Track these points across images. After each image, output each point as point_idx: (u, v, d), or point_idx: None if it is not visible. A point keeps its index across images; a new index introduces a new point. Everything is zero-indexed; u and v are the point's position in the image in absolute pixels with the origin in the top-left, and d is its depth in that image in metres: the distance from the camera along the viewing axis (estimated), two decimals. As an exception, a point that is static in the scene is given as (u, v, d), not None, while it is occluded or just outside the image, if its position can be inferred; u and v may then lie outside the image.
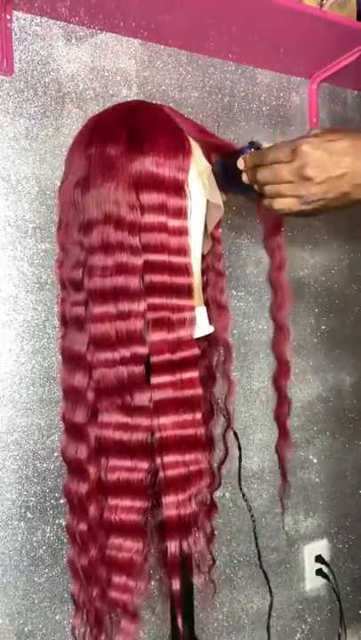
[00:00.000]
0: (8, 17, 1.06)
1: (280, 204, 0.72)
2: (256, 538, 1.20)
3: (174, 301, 0.69)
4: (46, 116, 1.12)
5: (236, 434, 0.96)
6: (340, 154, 0.69)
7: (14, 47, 1.08)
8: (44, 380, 1.11)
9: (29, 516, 1.10)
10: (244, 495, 1.12)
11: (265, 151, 0.73)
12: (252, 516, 1.22)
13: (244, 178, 0.76)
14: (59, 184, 0.82)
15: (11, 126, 1.08)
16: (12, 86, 1.08)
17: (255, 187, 0.76)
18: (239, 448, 0.97)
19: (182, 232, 0.70)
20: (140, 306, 0.68)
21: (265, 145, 0.76)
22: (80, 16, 1.12)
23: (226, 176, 0.81)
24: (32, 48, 1.10)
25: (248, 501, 1.21)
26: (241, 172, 0.76)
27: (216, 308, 0.83)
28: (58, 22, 1.13)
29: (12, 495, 1.08)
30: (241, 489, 1.03)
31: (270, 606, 1.24)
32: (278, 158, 0.71)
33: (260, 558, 1.19)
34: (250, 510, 1.20)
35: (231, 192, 0.85)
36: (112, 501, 0.71)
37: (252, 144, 0.77)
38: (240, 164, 0.76)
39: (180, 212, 0.69)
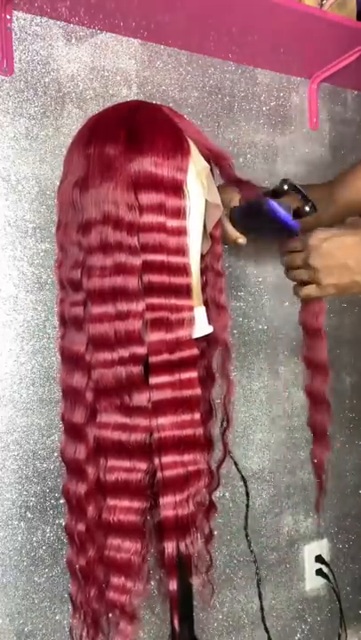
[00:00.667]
0: (8, 17, 1.06)
1: (305, 291, 0.85)
2: (248, 536, 1.20)
3: (173, 301, 0.69)
4: (46, 116, 1.12)
5: (242, 476, 1.00)
6: (348, 247, 0.80)
7: (14, 47, 1.08)
8: (44, 380, 1.11)
9: (29, 515, 1.10)
10: (248, 539, 1.13)
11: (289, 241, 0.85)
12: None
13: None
14: (58, 184, 0.82)
15: (11, 126, 1.08)
16: (11, 86, 1.08)
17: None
18: (245, 485, 0.99)
19: (181, 232, 0.70)
20: (139, 306, 0.68)
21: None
22: (80, 16, 1.12)
23: (250, 220, 0.85)
24: (32, 48, 1.10)
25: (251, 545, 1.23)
26: (265, 217, 0.81)
27: (215, 308, 0.83)
28: (58, 22, 1.13)
29: (12, 495, 1.08)
30: (247, 535, 1.03)
31: (260, 601, 1.23)
32: (295, 248, 0.84)
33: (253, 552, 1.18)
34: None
35: (255, 235, 0.90)
36: (111, 502, 0.70)
37: (269, 193, 0.79)
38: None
39: (179, 212, 0.69)
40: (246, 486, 1.01)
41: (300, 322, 0.92)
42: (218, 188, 0.99)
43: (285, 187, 0.82)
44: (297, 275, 0.85)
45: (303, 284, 0.86)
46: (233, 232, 0.94)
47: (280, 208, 0.75)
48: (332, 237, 0.80)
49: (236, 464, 0.89)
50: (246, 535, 1.18)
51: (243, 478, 0.99)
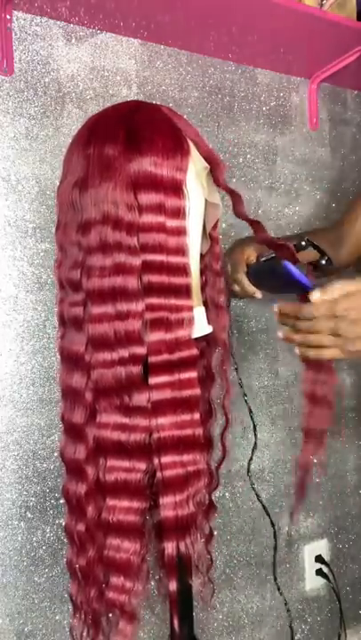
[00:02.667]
0: (8, 17, 1.06)
1: (326, 354, 0.76)
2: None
3: (172, 301, 0.69)
4: (46, 116, 1.12)
5: (250, 410, 1.03)
6: None
7: (14, 47, 1.09)
8: (44, 380, 1.11)
9: (29, 515, 1.10)
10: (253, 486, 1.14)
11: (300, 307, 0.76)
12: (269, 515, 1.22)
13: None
14: (58, 184, 0.82)
15: (11, 126, 1.08)
16: (12, 86, 1.08)
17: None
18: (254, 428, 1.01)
19: (180, 232, 0.69)
20: (139, 306, 0.68)
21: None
22: (80, 16, 1.12)
23: (266, 278, 0.87)
24: (32, 48, 1.11)
25: (258, 496, 1.24)
26: (281, 277, 0.79)
27: (214, 309, 0.83)
28: (58, 22, 1.13)
29: (12, 495, 1.08)
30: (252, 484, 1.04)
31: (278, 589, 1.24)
32: (317, 314, 0.74)
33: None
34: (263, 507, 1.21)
35: (271, 290, 0.92)
36: (110, 502, 0.70)
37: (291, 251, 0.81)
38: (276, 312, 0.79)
39: (179, 212, 0.69)
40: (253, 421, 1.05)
41: (305, 390, 0.83)
42: (235, 243, 1.03)
43: (303, 243, 0.82)
44: (315, 340, 0.75)
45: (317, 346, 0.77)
46: (250, 287, 0.97)
47: (296, 270, 0.77)
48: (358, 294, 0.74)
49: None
50: (252, 484, 1.19)
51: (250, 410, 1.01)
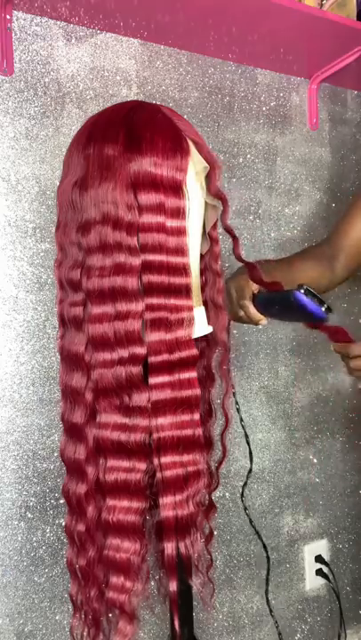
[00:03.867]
0: (8, 17, 1.06)
1: None
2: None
3: (172, 302, 0.69)
4: (46, 116, 1.12)
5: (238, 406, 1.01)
6: None
7: (14, 47, 1.09)
8: (44, 380, 1.11)
9: (29, 515, 1.10)
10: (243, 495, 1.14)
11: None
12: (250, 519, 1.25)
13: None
14: (58, 184, 0.82)
15: (11, 126, 1.08)
16: (12, 86, 1.08)
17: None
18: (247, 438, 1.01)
19: (180, 232, 0.69)
20: (139, 306, 0.68)
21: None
22: (80, 16, 1.12)
23: (275, 307, 0.88)
24: (32, 48, 1.11)
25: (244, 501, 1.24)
26: (293, 308, 0.82)
27: (214, 309, 0.83)
28: (58, 22, 1.13)
29: (12, 495, 1.08)
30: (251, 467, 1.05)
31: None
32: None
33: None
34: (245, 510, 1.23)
35: (279, 318, 0.95)
36: (110, 502, 0.70)
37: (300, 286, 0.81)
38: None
39: (178, 212, 0.69)
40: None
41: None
42: (240, 269, 1.01)
43: (302, 291, 0.83)
44: None
45: None
46: (256, 315, 0.96)
47: (309, 301, 0.78)
48: None
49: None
50: (245, 508, 1.20)
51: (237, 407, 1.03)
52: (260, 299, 0.93)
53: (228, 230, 0.78)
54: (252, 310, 0.95)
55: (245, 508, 1.32)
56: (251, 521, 1.16)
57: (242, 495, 1.32)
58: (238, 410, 1.03)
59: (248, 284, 0.97)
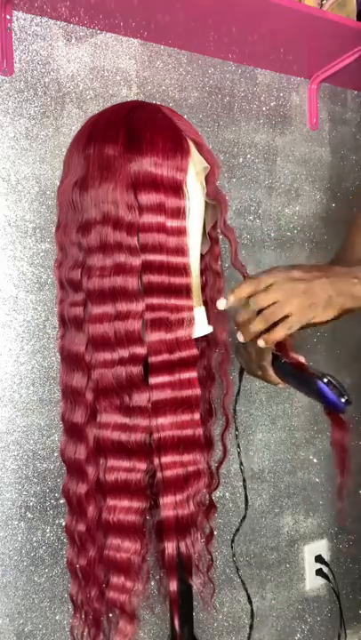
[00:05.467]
0: (8, 17, 1.06)
1: (274, 334, 0.77)
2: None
3: (172, 302, 0.69)
4: (46, 116, 1.12)
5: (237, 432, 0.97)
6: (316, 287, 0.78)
7: (14, 47, 1.08)
8: (44, 380, 1.11)
9: (29, 515, 1.10)
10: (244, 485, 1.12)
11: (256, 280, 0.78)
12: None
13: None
14: (58, 184, 0.82)
15: (11, 126, 1.08)
16: (12, 86, 1.08)
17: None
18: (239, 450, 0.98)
19: (180, 232, 0.70)
20: (139, 306, 0.68)
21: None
22: (80, 16, 1.12)
23: (295, 381, 0.86)
24: (32, 48, 1.11)
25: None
26: (313, 391, 0.80)
27: (214, 309, 0.83)
28: (58, 22, 1.13)
29: (12, 495, 1.08)
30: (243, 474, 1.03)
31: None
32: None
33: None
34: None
35: (297, 389, 0.91)
36: (110, 502, 0.70)
37: (325, 377, 0.81)
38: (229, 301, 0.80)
39: (179, 213, 0.69)
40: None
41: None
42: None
43: (325, 380, 0.82)
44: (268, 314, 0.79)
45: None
46: (275, 379, 0.92)
47: (330, 392, 0.78)
48: (301, 273, 0.78)
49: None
50: (233, 555, 1.19)
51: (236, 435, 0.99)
52: (282, 367, 0.90)
53: (226, 234, 0.78)
54: (271, 373, 0.91)
55: (234, 555, 1.31)
56: (238, 569, 1.13)
57: (232, 542, 1.30)
58: (239, 444, 1.01)
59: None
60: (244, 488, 1.02)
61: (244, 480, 1.02)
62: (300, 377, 0.85)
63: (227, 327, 0.84)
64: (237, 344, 0.91)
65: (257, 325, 0.76)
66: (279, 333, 0.76)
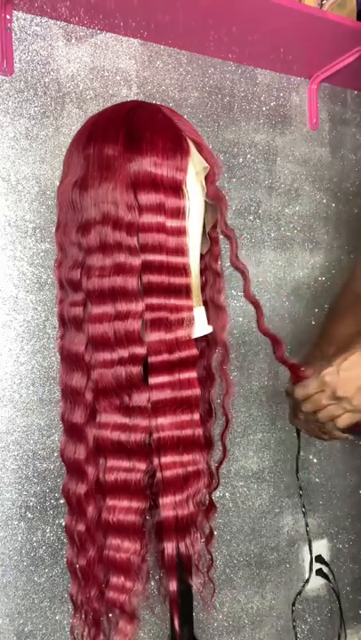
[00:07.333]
0: (8, 17, 1.06)
1: (341, 423, 0.88)
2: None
3: (172, 301, 0.69)
4: (46, 116, 1.12)
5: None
6: (356, 366, 0.85)
7: (14, 47, 1.09)
8: (44, 380, 1.11)
9: (29, 515, 1.10)
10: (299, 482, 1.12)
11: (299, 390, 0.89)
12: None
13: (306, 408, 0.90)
14: (58, 184, 0.82)
15: (11, 126, 1.08)
16: (12, 86, 1.08)
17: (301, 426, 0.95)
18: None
19: (180, 232, 0.69)
20: (138, 306, 0.68)
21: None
22: (80, 16, 1.12)
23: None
24: (32, 48, 1.11)
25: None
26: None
27: (214, 309, 0.83)
28: (58, 22, 1.13)
29: (12, 495, 1.08)
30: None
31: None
32: (314, 390, 0.87)
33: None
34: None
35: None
36: (110, 502, 0.70)
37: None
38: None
39: (178, 212, 0.69)
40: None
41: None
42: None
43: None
44: (325, 414, 0.87)
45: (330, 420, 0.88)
46: (342, 435, 0.96)
47: None
48: (341, 362, 0.85)
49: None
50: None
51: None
52: (352, 432, 0.94)
53: (226, 234, 0.78)
54: (341, 434, 0.94)
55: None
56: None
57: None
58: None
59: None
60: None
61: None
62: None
63: (226, 327, 0.84)
64: (294, 412, 0.97)
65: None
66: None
